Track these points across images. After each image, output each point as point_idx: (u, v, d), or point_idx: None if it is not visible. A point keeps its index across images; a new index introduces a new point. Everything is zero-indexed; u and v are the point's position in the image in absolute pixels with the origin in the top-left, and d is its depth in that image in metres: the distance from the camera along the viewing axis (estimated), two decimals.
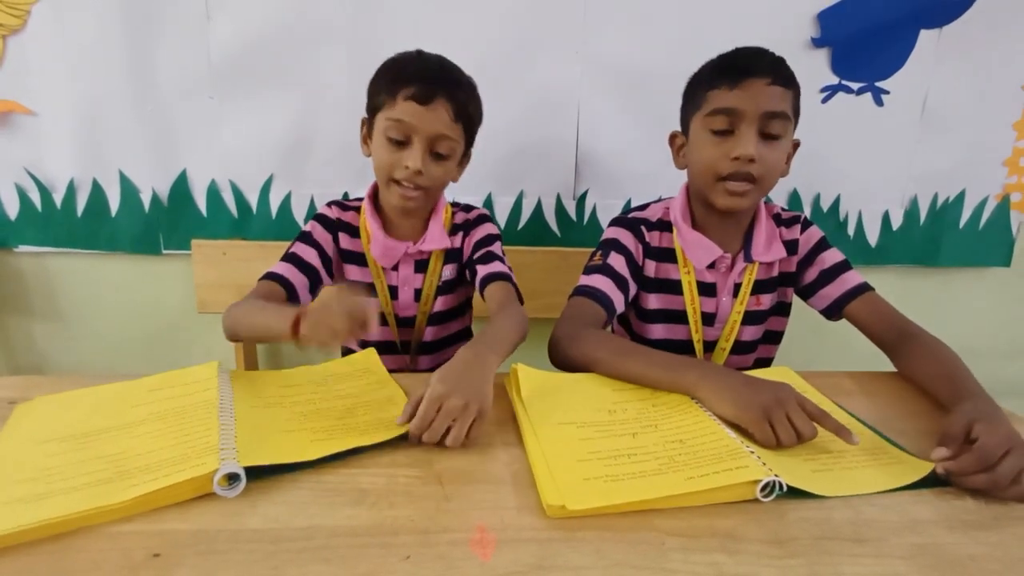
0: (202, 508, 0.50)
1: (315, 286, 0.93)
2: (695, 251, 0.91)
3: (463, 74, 0.90)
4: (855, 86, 1.32)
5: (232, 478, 0.51)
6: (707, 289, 0.93)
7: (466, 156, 0.96)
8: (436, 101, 0.84)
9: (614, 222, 0.97)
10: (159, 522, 0.48)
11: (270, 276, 0.89)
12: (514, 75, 1.26)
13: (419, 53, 0.89)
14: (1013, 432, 0.58)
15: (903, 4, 1.27)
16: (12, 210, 1.30)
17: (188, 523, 0.48)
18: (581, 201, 1.37)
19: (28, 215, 1.31)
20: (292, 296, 0.89)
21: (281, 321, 0.66)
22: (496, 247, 0.97)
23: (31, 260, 1.36)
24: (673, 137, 0.94)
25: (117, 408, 0.62)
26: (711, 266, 0.91)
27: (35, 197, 1.30)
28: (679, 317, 0.93)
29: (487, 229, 0.99)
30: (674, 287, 0.93)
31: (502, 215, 1.36)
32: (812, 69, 1.31)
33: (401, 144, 0.86)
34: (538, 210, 1.37)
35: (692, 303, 0.92)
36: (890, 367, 0.85)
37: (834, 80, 1.32)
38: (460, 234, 0.99)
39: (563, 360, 0.81)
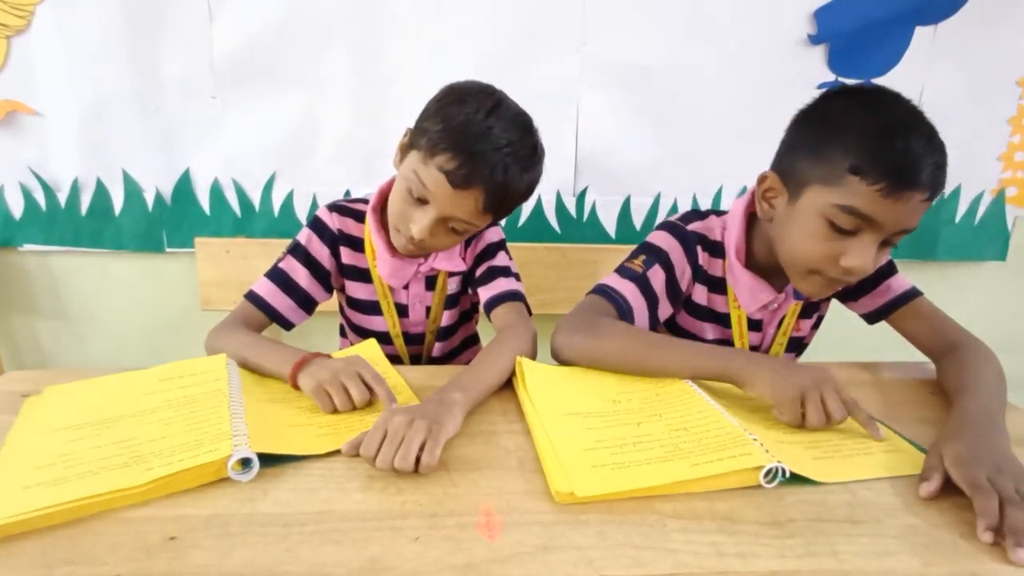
0: (216, 493, 0.51)
1: (305, 305, 0.89)
2: (745, 293, 0.83)
3: (525, 156, 0.77)
4: (852, 83, 1.34)
5: (245, 463, 0.53)
6: (754, 324, 0.87)
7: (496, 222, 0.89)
8: (470, 189, 0.74)
9: (668, 227, 0.85)
10: (174, 507, 0.50)
11: (252, 298, 0.85)
12: (514, 72, 1.27)
13: (492, 112, 0.74)
14: (976, 477, 0.52)
15: (899, 1, 1.28)
16: (17, 209, 1.32)
17: (203, 508, 0.50)
18: (581, 198, 1.39)
19: (32, 214, 1.32)
20: (277, 320, 0.87)
21: (280, 367, 0.69)
22: (499, 258, 0.91)
23: (36, 259, 1.38)
24: (763, 178, 0.77)
25: (129, 396, 0.64)
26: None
27: (39, 196, 1.31)
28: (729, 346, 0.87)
29: (490, 237, 0.92)
30: (723, 319, 0.87)
31: None
32: (809, 66, 1.32)
33: (418, 201, 0.77)
34: (538, 207, 1.39)
35: (741, 337, 0.87)
36: (886, 357, 0.87)
37: (831, 77, 1.33)
38: (462, 243, 0.92)
39: (576, 352, 0.75)
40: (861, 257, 0.69)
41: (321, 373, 0.66)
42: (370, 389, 0.65)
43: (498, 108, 0.75)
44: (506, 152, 0.74)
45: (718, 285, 0.86)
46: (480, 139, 0.73)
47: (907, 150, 0.64)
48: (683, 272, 0.83)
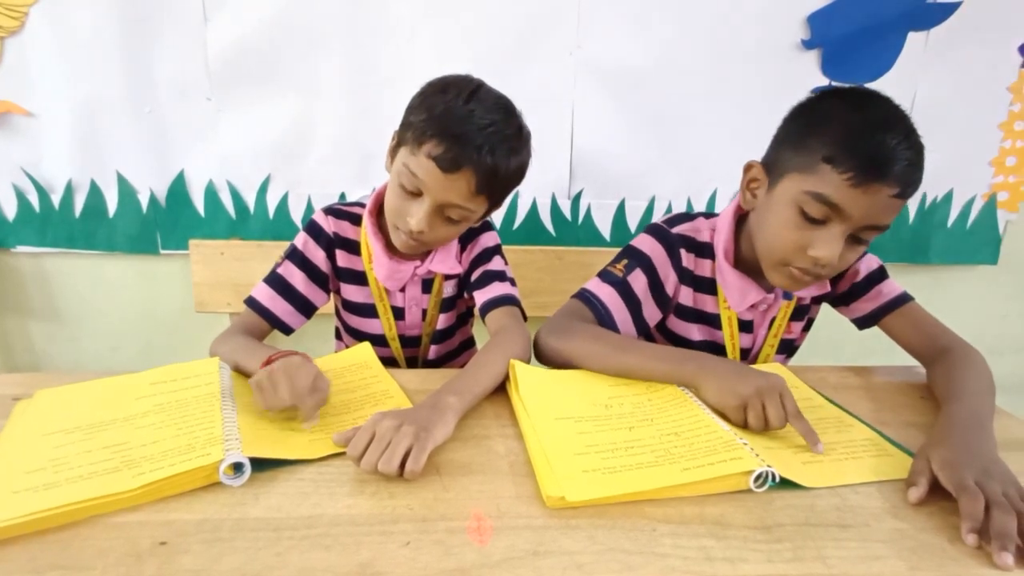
0: (207, 498, 0.51)
1: (304, 310, 0.89)
2: (734, 293, 0.83)
3: (510, 136, 0.77)
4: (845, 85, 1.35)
5: (237, 468, 0.53)
6: (745, 326, 0.87)
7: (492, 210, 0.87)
8: (460, 171, 0.74)
9: (653, 230, 0.86)
10: (165, 512, 0.50)
11: (252, 304, 0.86)
12: (509, 76, 1.25)
13: (472, 96, 0.76)
14: (963, 480, 0.53)
15: (891, 7, 1.30)
16: (10, 211, 1.31)
17: (193, 512, 0.50)
18: (576, 201, 1.39)
19: (26, 216, 1.32)
20: (277, 325, 0.87)
21: (253, 364, 0.69)
22: (495, 262, 0.91)
23: (29, 260, 1.37)
24: (749, 167, 0.79)
25: (120, 400, 0.63)
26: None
27: (33, 198, 1.31)
28: (719, 351, 0.88)
29: (485, 241, 0.92)
30: (712, 320, 0.87)
31: (497, 214, 1.38)
32: (802, 70, 1.33)
33: (412, 194, 0.78)
34: (533, 209, 1.39)
35: (732, 339, 0.87)
36: (879, 360, 0.87)
37: (824, 81, 1.34)
38: (458, 246, 0.93)
39: (550, 353, 0.78)
40: (828, 247, 0.70)
41: (263, 372, 0.64)
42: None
43: (478, 92, 0.77)
44: (491, 132, 0.75)
45: (706, 286, 0.86)
46: (463, 122, 0.74)
47: (881, 144, 0.67)
48: (667, 276, 0.85)
